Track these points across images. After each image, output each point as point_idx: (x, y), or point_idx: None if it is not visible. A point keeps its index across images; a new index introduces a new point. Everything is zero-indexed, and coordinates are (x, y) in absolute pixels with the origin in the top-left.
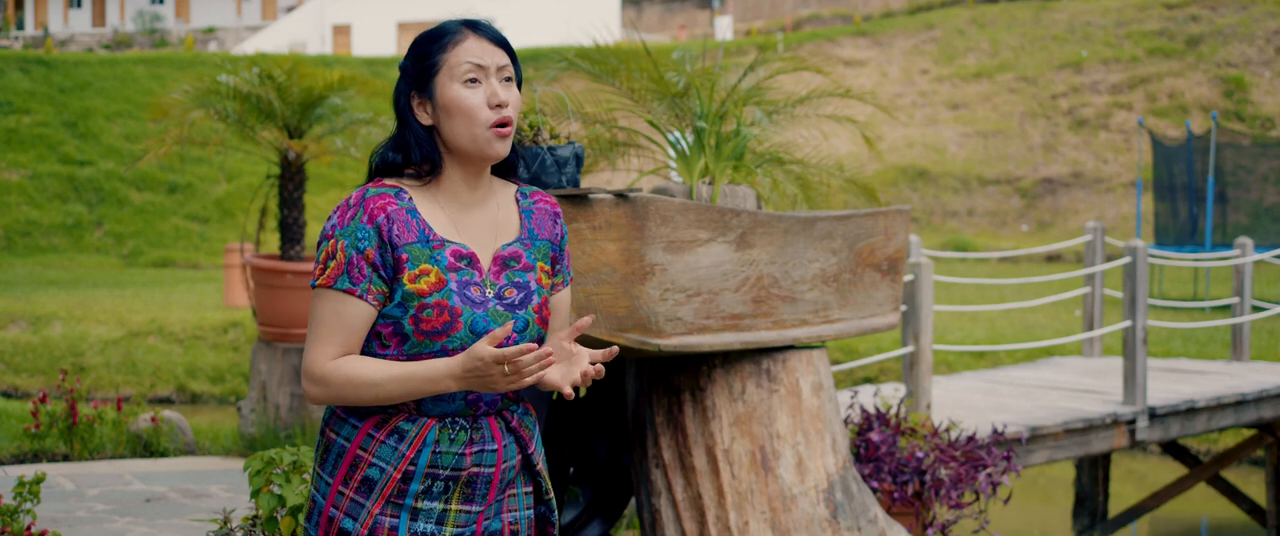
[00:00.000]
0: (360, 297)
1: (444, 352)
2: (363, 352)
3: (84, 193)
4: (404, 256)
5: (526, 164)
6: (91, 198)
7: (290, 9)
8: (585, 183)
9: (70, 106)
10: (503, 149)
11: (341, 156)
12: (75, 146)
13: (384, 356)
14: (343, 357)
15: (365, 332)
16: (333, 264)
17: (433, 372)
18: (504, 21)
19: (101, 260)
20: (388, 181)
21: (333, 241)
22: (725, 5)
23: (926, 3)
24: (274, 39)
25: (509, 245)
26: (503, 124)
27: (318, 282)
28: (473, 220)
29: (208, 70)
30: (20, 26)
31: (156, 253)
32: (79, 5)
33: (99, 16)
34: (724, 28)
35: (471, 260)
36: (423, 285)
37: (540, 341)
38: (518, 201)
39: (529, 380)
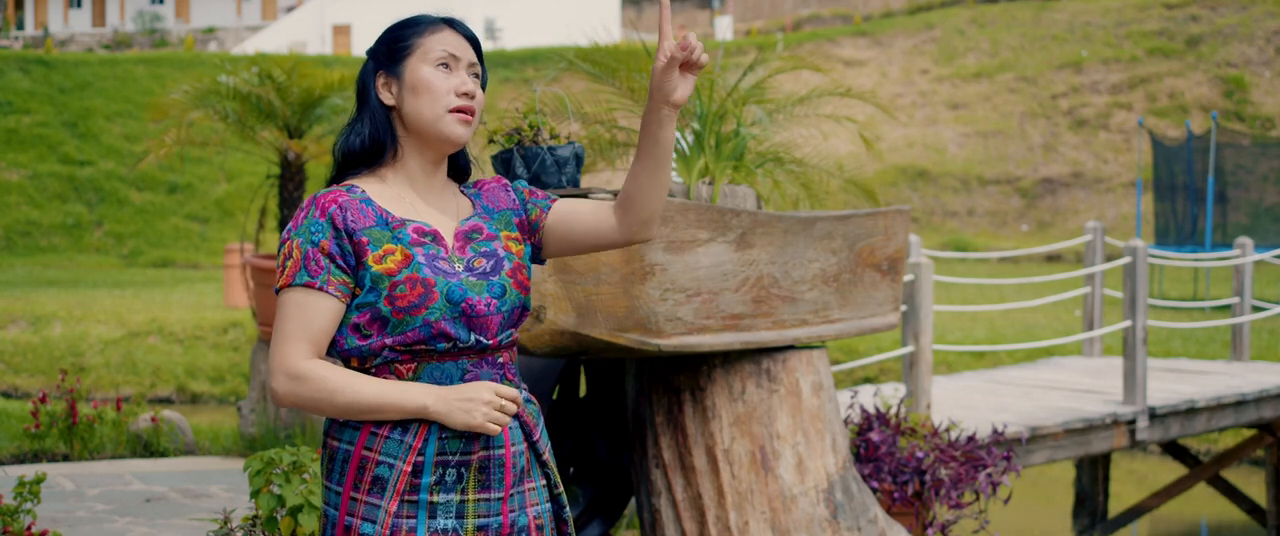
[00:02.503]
0: (320, 289)
1: (428, 329)
2: (345, 346)
3: (84, 193)
4: (364, 239)
5: (526, 164)
6: (91, 198)
7: (290, 9)
8: (585, 183)
9: (70, 106)
10: (462, 133)
11: None
12: (75, 146)
13: (368, 346)
14: (318, 361)
15: (331, 330)
16: (290, 263)
17: (409, 390)
18: (504, 21)
19: (101, 260)
20: (341, 184)
21: (289, 243)
22: (725, 5)
23: (926, 3)
24: (274, 39)
25: (467, 220)
26: (465, 111)
27: (279, 286)
28: (430, 203)
29: (208, 70)
30: (20, 26)
31: (156, 253)
32: (79, 5)
33: (99, 16)
34: (724, 28)
35: (435, 236)
36: (389, 264)
37: (523, 309)
38: (464, 192)
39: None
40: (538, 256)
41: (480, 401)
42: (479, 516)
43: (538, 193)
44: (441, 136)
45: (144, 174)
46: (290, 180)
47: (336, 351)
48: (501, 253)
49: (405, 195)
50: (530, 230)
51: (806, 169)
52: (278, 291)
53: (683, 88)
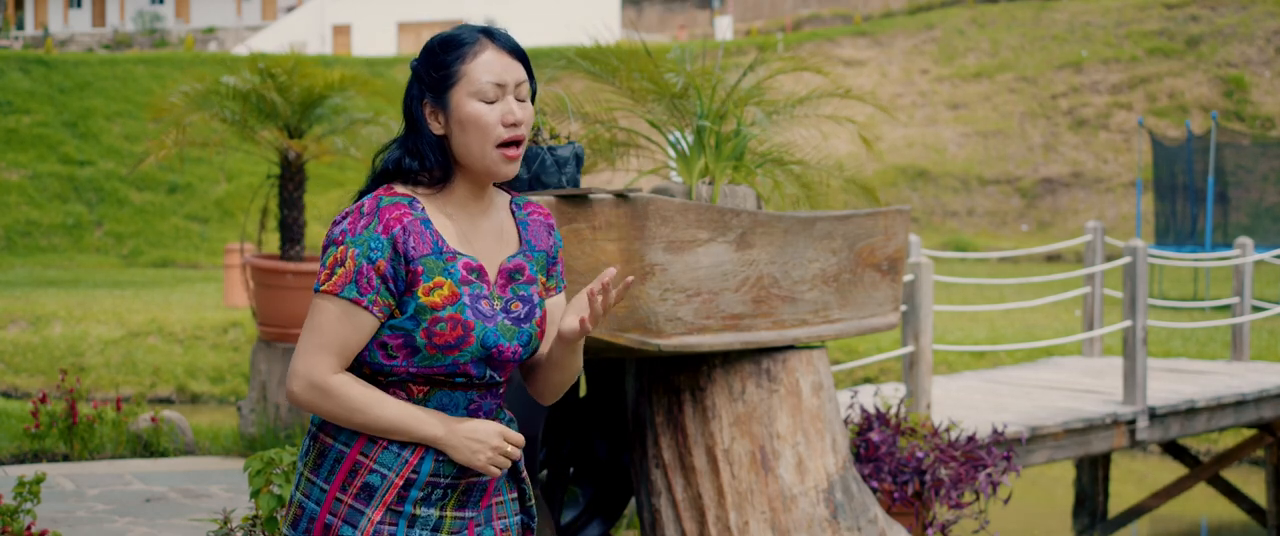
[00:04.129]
0: (366, 308)
1: (454, 367)
2: (369, 362)
3: (84, 193)
4: (419, 268)
5: (526, 164)
6: (91, 198)
7: (290, 9)
8: (585, 182)
9: (70, 106)
10: (511, 171)
11: (342, 157)
12: (75, 146)
13: (390, 367)
14: (345, 375)
15: (362, 346)
16: (340, 271)
17: (424, 421)
18: (504, 21)
19: (101, 260)
20: (400, 189)
21: (342, 248)
22: (725, 5)
23: (926, 3)
24: (274, 39)
25: (513, 257)
26: (514, 143)
27: (323, 287)
28: (479, 231)
29: (208, 70)
30: (20, 26)
31: (156, 253)
32: (79, 5)
33: (99, 16)
34: (724, 28)
35: (480, 273)
36: (436, 298)
37: (537, 349)
38: (514, 212)
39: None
40: None
41: (488, 446)
42: (452, 532)
43: (563, 270)
44: (490, 175)
45: (144, 174)
46: (290, 180)
47: (355, 360)
48: (536, 299)
49: (457, 217)
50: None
51: (806, 169)
52: (318, 289)
53: (569, 320)
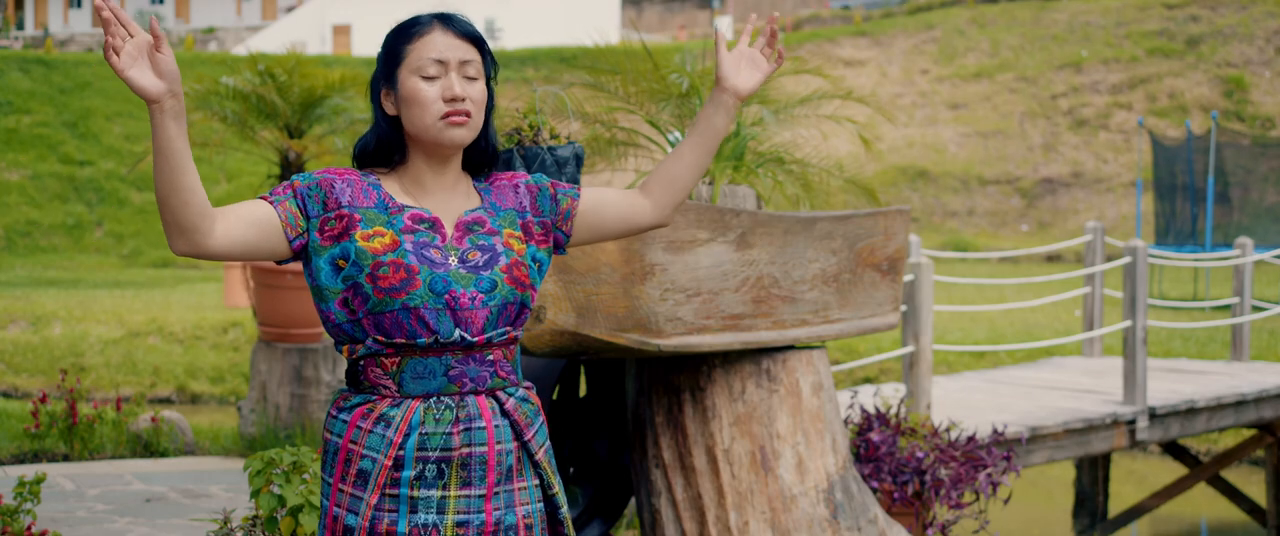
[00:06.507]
0: (270, 202)
1: (405, 311)
2: (335, 320)
3: (84, 193)
4: (357, 216)
5: (526, 164)
6: (91, 198)
7: (290, 9)
8: (585, 182)
9: (70, 106)
10: (456, 135)
11: (342, 157)
12: (75, 146)
13: (356, 319)
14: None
15: (248, 219)
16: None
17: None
18: (504, 21)
19: (101, 260)
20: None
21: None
22: (725, 5)
23: (926, 3)
24: (274, 39)
25: (472, 211)
26: (457, 114)
27: None
28: (437, 197)
29: (208, 70)
30: (20, 26)
31: (156, 253)
32: (79, 5)
33: (99, 16)
34: (724, 27)
35: (433, 224)
36: (376, 244)
37: (521, 306)
38: (475, 184)
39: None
40: (561, 246)
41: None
42: (459, 513)
43: (561, 184)
44: (437, 143)
45: (144, 174)
46: None
47: (328, 326)
48: (500, 248)
49: (412, 190)
50: (562, 219)
51: (807, 169)
52: None
53: (748, 76)
